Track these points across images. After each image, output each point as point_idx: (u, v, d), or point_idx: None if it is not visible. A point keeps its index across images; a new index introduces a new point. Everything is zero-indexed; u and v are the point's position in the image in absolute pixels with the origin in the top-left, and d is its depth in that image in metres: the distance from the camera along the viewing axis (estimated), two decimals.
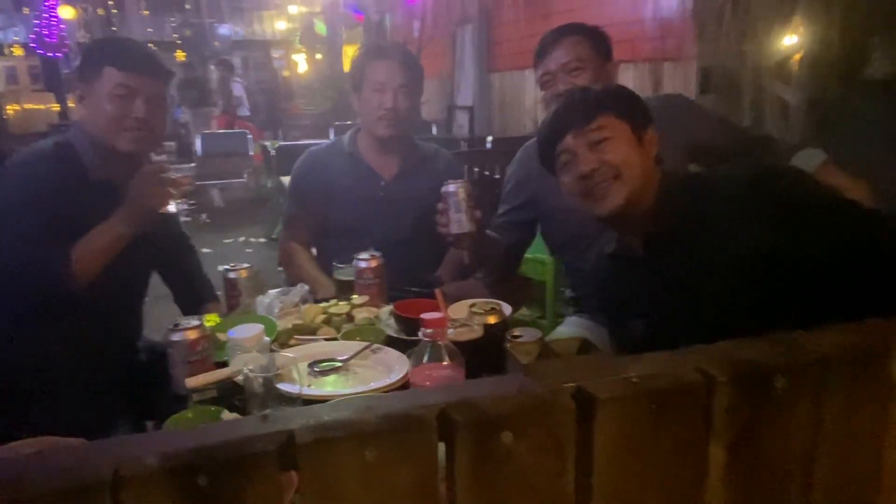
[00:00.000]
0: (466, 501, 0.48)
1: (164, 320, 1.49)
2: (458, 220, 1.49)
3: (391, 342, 1.37)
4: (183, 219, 1.91)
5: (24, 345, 1.51)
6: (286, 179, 3.83)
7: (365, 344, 1.32)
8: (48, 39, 9.14)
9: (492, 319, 1.21)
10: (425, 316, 0.92)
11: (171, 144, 8.25)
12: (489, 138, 4.82)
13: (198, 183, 6.93)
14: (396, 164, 1.95)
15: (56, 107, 9.93)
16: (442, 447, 0.48)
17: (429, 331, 0.91)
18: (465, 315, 1.23)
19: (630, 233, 1.23)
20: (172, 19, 10.86)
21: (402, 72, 1.86)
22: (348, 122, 7.03)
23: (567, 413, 0.49)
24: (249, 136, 7.41)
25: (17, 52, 10.59)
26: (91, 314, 1.49)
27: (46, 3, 8.98)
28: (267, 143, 5.81)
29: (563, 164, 1.21)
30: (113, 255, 1.49)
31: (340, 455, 0.44)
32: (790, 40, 2.25)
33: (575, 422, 0.50)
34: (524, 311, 3.17)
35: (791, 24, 2.22)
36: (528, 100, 5.28)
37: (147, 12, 9.49)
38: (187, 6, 9.34)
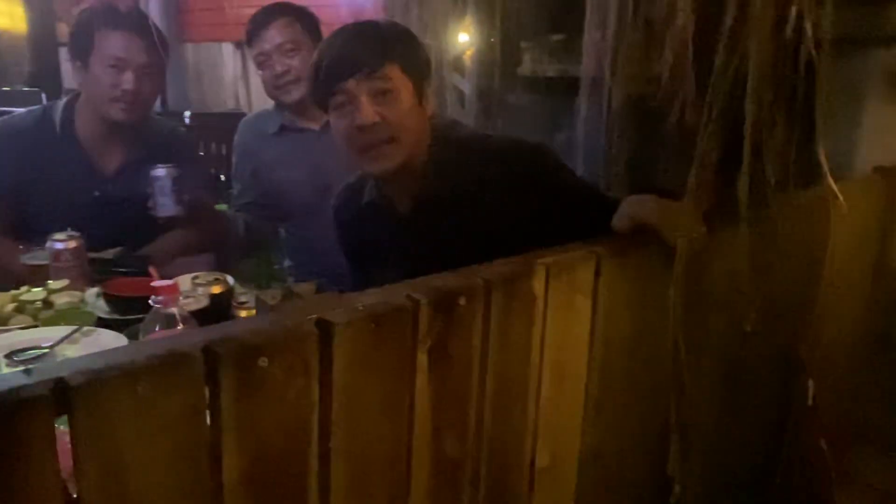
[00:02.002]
0: (230, 421, 0.57)
1: None
2: (164, 204, 1.52)
3: (102, 324, 1.31)
4: None
5: None
6: None
7: (72, 328, 1.24)
8: None
9: (216, 289, 1.25)
10: (156, 284, 0.94)
11: None
12: (187, 113, 4.56)
13: None
14: (121, 155, 1.73)
15: None
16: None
17: (160, 298, 0.93)
18: (189, 287, 1.25)
19: (394, 188, 1.25)
20: None
21: (147, 48, 1.64)
22: (6, 88, 5.88)
23: (311, 337, 0.61)
24: None
25: None
26: None
27: None
28: None
29: (339, 105, 1.16)
30: None
31: (114, 393, 0.49)
32: (463, 38, 2.64)
33: (317, 345, 0.62)
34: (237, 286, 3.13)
35: (463, 24, 2.61)
36: (227, 74, 5.11)
37: None
38: None
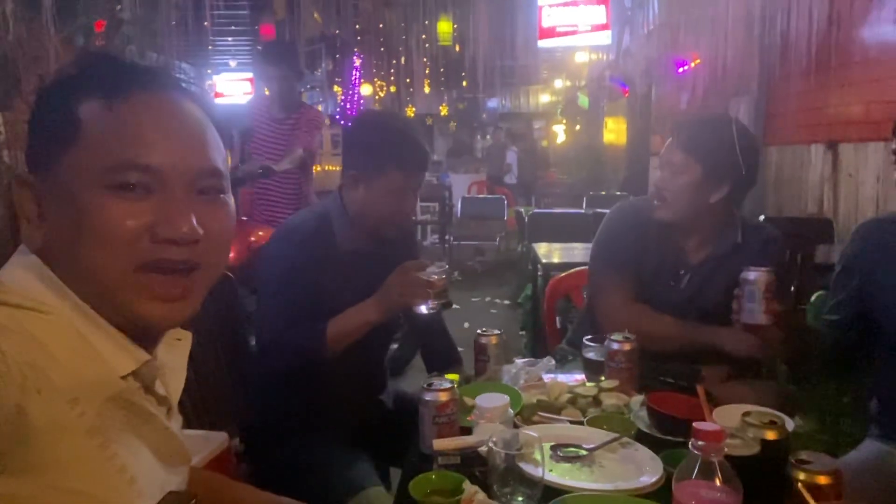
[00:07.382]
0: None
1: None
2: (751, 310, 1.37)
3: (641, 437, 1.25)
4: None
5: (284, 393, 1.65)
6: (537, 246, 3.87)
7: (614, 435, 1.22)
8: (349, 112, 10.74)
9: (770, 435, 1.02)
10: (698, 425, 0.80)
11: (433, 205, 8.98)
12: (761, 218, 4.36)
13: (455, 243, 7.41)
14: (709, 248, 1.76)
15: None
16: None
17: (700, 443, 0.78)
18: (737, 424, 1.06)
19: None
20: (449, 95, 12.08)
21: (673, 146, 1.72)
22: (602, 193, 6.97)
23: None
24: (506, 202, 7.78)
25: (325, 122, 12.66)
26: (343, 369, 1.57)
27: (353, 82, 10.59)
28: (521, 210, 6.01)
29: None
30: (361, 336, 1.55)
31: None
32: None
33: None
34: (797, 421, 2.61)
35: None
36: (812, 177, 4.69)
37: (428, 90, 10.68)
38: (464, 83, 10.33)
